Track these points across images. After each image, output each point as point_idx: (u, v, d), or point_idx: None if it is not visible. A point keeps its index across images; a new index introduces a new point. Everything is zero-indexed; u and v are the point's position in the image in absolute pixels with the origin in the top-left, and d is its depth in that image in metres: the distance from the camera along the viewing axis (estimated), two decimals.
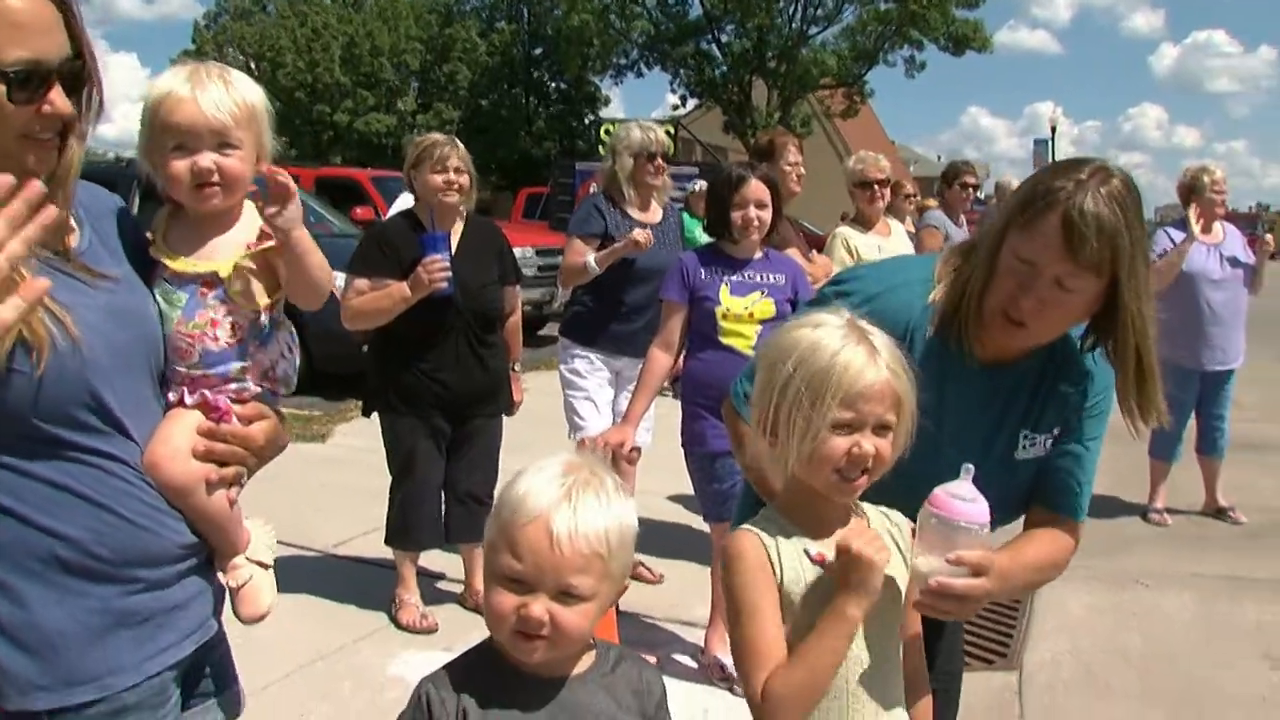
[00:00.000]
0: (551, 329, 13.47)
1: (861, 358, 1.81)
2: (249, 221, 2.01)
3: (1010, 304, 2.03)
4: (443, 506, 4.97)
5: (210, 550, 2.02)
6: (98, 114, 1.79)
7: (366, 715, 3.96)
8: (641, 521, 5.26)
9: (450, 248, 4.59)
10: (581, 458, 1.79)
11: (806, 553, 1.88)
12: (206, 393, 1.95)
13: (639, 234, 5.03)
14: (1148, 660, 4.78)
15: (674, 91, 44.62)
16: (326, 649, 4.52)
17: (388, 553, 5.05)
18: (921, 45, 41.14)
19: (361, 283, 4.62)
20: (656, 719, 1.84)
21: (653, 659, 4.27)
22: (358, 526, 5.99)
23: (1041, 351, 2.19)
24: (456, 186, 4.65)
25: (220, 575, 2.09)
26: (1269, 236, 7.08)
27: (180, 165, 1.91)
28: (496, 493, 2.10)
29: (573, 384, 5.28)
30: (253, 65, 54.01)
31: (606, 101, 50.28)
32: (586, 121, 45.91)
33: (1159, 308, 2.08)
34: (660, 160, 5.28)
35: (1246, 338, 6.99)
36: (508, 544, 1.67)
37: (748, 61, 41.55)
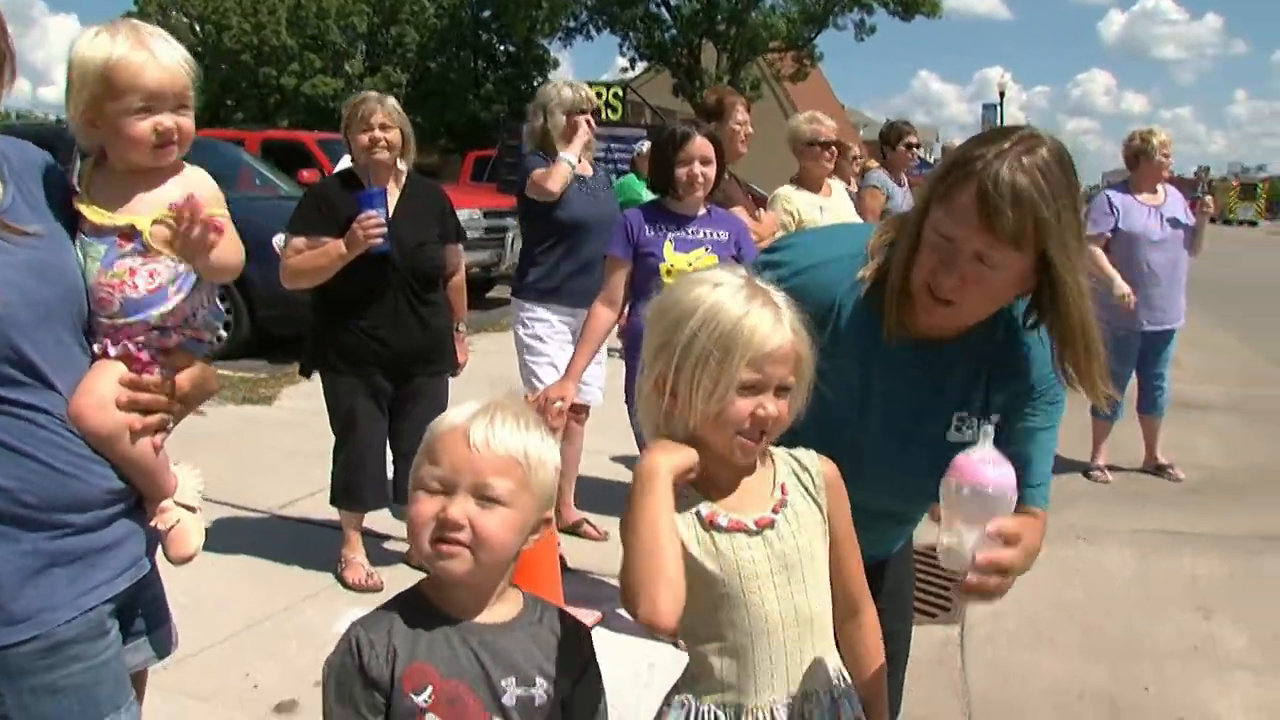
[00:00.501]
0: (500, 291, 13.45)
1: (769, 320, 1.80)
2: (180, 182, 2.08)
3: (933, 280, 1.95)
4: (390, 466, 4.96)
5: (139, 495, 2.07)
6: (10, 84, 1.88)
7: (312, 673, 3.90)
8: (588, 480, 5.29)
9: (387, 205, 4.55)
10: (508, 397, 1.82)
11: (698, 514, 1.85)
12: (129, 344, 1.99)
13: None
14: (1088, 614, 4.86)
15: (623, 55, 44.27)
16: (272, 609, 4.51)
17: (334, 514, 5.02)
18: (871, 9, 41.08)
19: (299, 241, 4.59)
20: (587, 673, 1.85)
21: (598, 614, 4.29)
22: (304, 488, 5.96)
23: (980, 330, 2.08)
24: (383, 143, 4.59)
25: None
26: (1209, 198, 7.18)
27: (144, 126, 1.97)
28: None
29: (533, 349, 5.24)
30: (197, 28, 53.13)
31: (555, 65, 49.81)
32: (535, 85, 45.52)
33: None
34: (590, 117, 5.23)
35: (1188, 302, 7.09)
36: (428, 455, 1.72)
37: (697, 24, 41.30)
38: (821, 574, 1.91)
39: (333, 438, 4.91)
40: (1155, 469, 7.13)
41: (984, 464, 1.74)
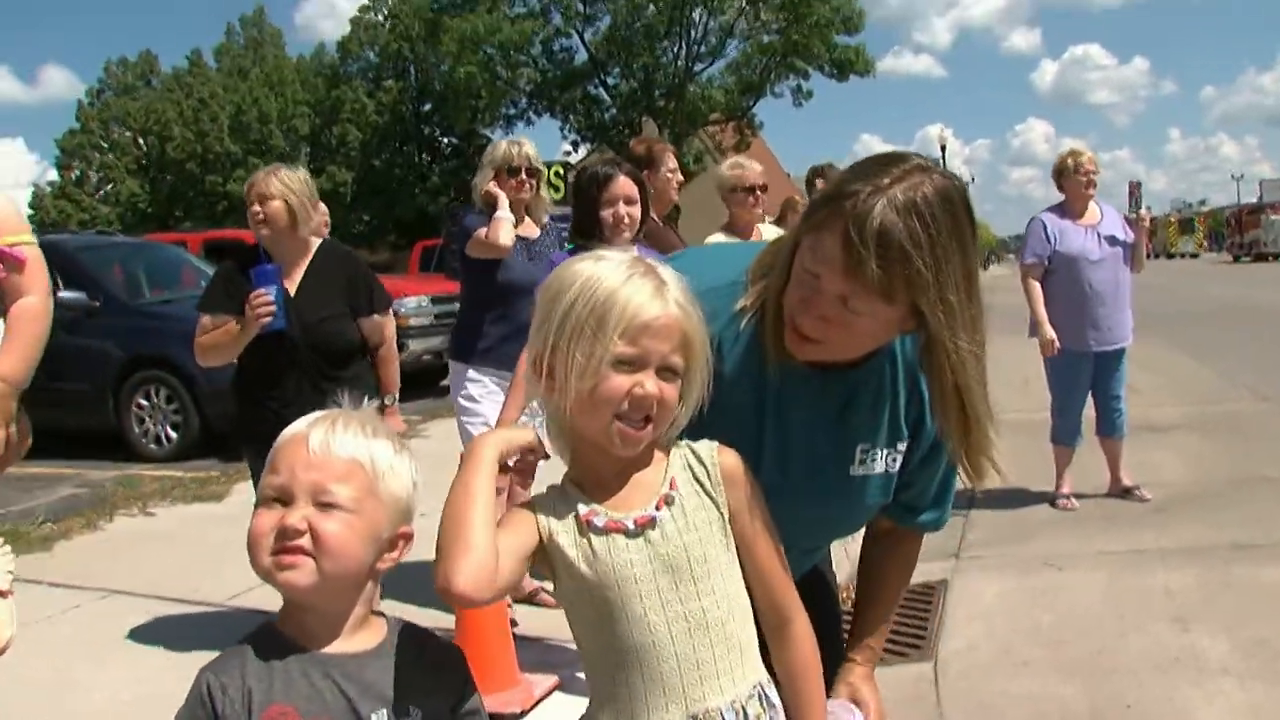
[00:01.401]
0: None
1: (648, 290, 1.66)
2: None
3: (796, 316, 1.76)
4: None
5: None
6: None
7: None
8: None
9: (282, 281, 4.38)
10: (371, 414, 1.72)
11: (575, 516, 1.71)
12: None
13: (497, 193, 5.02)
14: (1061, 634, 4.74)
15: (564, 138, 44.73)
16: None
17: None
18: (806, 74, 41.72)
19: (205, 320, 4.48)
20: (465, 698, 1.71)
21: (555, 679, 4.13)
22: (254, 578, 5.73)
23: (881, 356, 1.90)
24: (261, 217, 4.42)
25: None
26: (1145, 212, 7.21)
27: None
28: None
29: (467, 409, 5.11)
30: (140, 140, 53.33)
31: None
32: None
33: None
34: (524, 176, 5.10)
35: (1140, 327, 7.08)
36: (269, 466, 1.60)
37: (636, 101, 41.82)
38: (721, 577, 1.72)
39: None
40: (1122, 492, 7.03)
41: None
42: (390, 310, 4.80)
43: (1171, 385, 11.35)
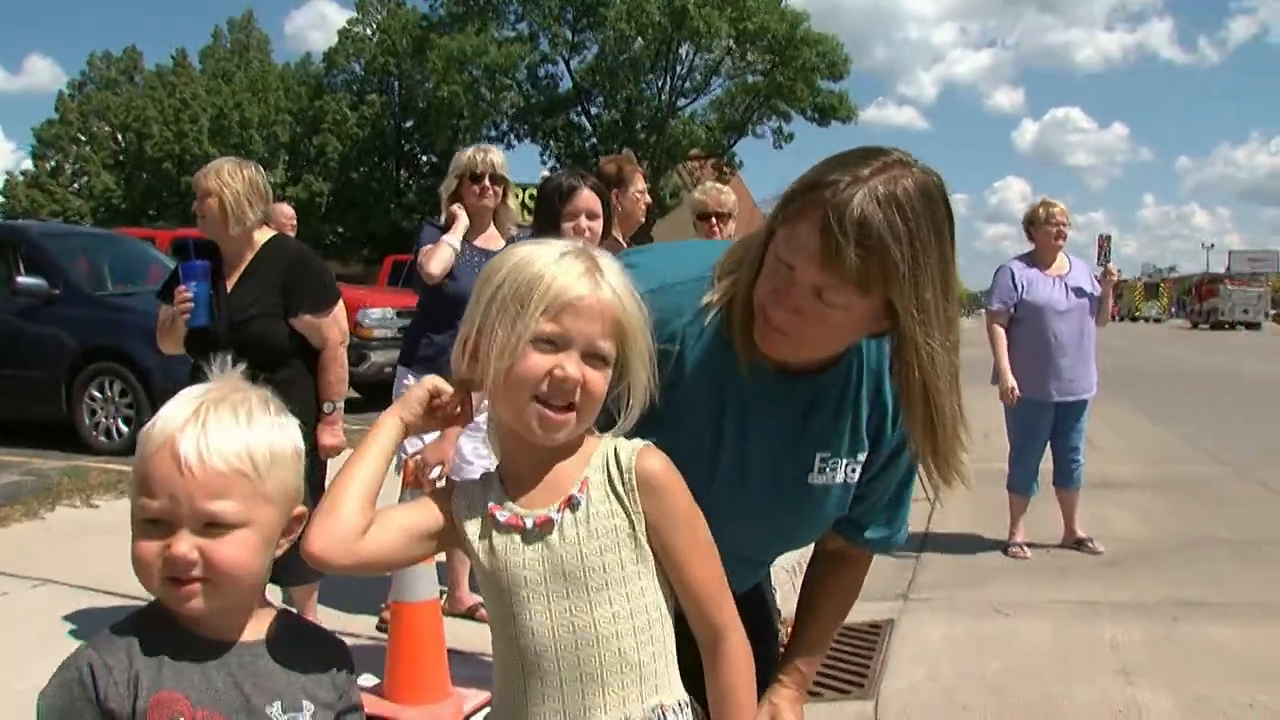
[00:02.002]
0: None
1: (578, 269, 1.59)
2: None
3: (768, 308, 1.70)
4: None
5: None
6: None
7: None
8: None
9: (210, 277, 4.36)
10: (227, 379, 1.59)
11: (484, 507, 1.65)
12: None
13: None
14: (1006, 681, 4.68)
15: (544, 163, 44.82)
16: None
17: None
18: (789, 116, 42.03)
19: (162, 310, 4.57)
20: (348, 694, 1.64)
21: (487, 694, 4.04)
22: None
23: (844, 364, 1.85)
24: (202, 214, 4.41)
25: None
26: (1112, 266, 7.22)
27: None
28: None
29: None
30: (119, 136, 53.00)
31: None
32: None
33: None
34: (487, 183, 5.05)
35: (1105, 387, 7.08)
36: (140, 482, 1.47)
37: (618, 132, 42.01)
38: (623, 590, 1.62)
39: None
40: (1075, 543, 7.01)
41: None
42: (330, 313, 4.58)
43: (1130, 444, 11.38)
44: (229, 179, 4.37)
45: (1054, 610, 5.71)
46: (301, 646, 1.60)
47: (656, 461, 1.66)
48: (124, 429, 10.01)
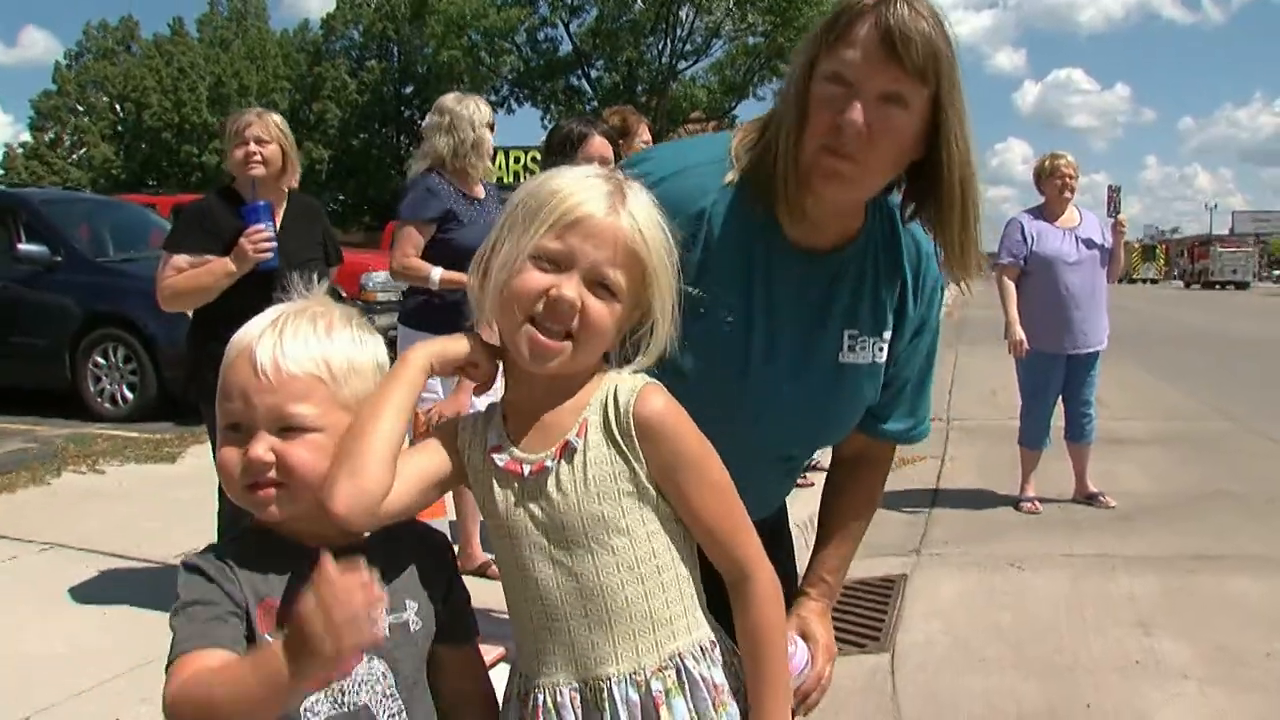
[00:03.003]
0: None
1: (598, 191, 1.51)
2: None
3: (833, 138, 1.67)
4: None
5: None
6: None
7: None
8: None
9: (275, 219, 4.28)
10: (313, 295, 1.58)
11: (484, 445, 1.59)
12: None
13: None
14: (1021, 633, 4.66)
15: (545, 127, 44.64)
16: (155, 654, 4.15)
17: None
18: None
19: (180, 260, 4.24)
20: (454, 588, 1.65)
21: (501, 650, 4.02)
22: (200, 537, 5.59)
23: (861, 240, 1.88)
24: (259, 157, 4.31)
25: None
26: (1123, 218, 7.15)
27: None
28: None
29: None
30: (118, 106, 52.81)
31: None
32: None
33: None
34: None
35: (1116, 347, 7.03)
36: (222, 389, 1.48)
37: (618, 95, 41.69)
38: (626, 538, 1.54)
39: None
40: (1086, 498, 6.98)
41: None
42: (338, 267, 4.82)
43: (1138, 401, 11.35)
44: (284, 131, 4.45)
45: (1068, 564, 5.68)
46: (399, 547, 1.58)
47: (657, 402, 1.56)
48: (128, 395, 9.97)
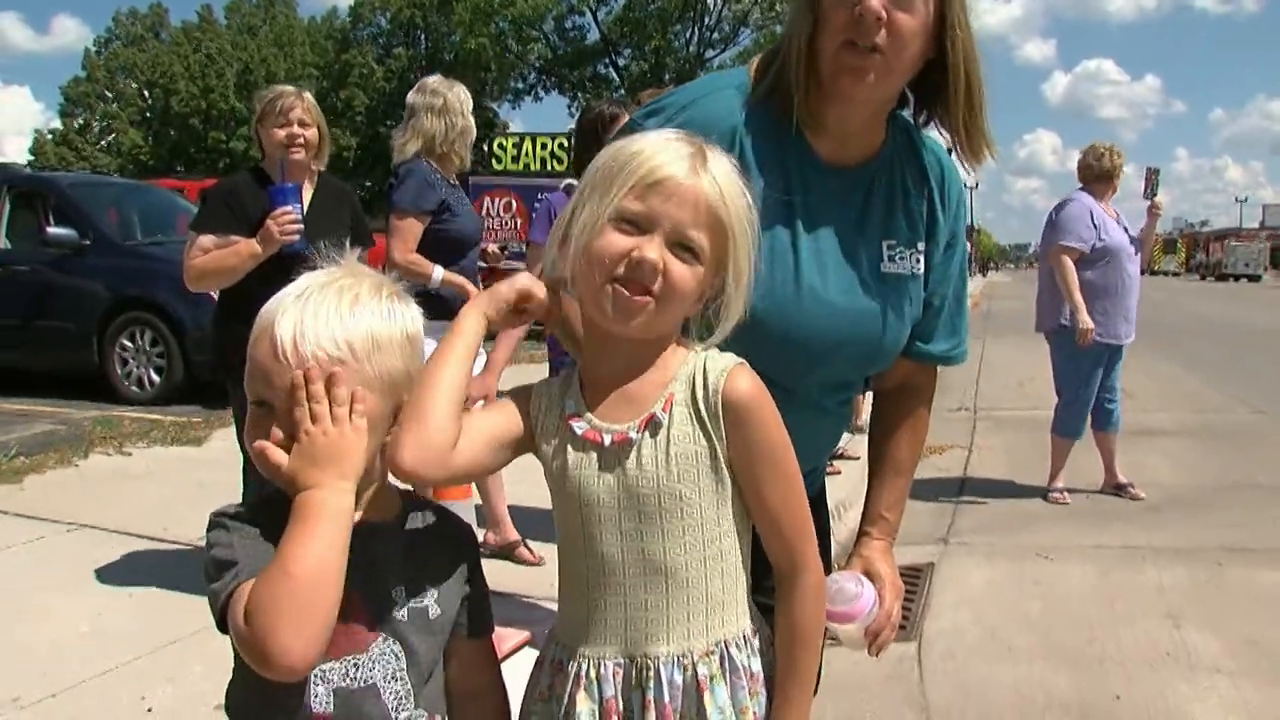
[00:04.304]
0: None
1: (680, 154, 1.49)
2: None
3: (853, 30, 1.70)
4: None
5: None
6: None
7: (214, 696, 3.60)
8: (523, 507, 4.97)
9: (302, 201, 4.26)
10: (346, 264, 1.56)
11: (561, 412, 1.57)
12: None
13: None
14: (1050, 624, 4.63)
15: (572, 116, 44.59)
16: (180, 634, 4.16)
17: None
18: None
19: (207, 240, 4.24)
20: (475, 579, 1.63)
21: (526, 634, 4.01)
22: None
23: (886, 152, 1.91)
24: (301, 141, 4.31)
25: None
26: (1159, 198, 7.09)
27: None
28: None
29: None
30: (145, 92, 53.08)
31: (505, 127, 50.10)
32: (485, 148, 45.50)
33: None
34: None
35: (1141, 340, 6.98)
36: (249, 368, 1.46)
37: (645, 84, 41.63)
38: (698, 519, 1.53)
39: None
40: (1115, 489, 6.93)
41: (838, 603, 1.81)
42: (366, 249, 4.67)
43: (1164, 393, 11.25)
44: (317, 108, 4.45)
45: (1097, 555, 5.63)
46: (425, 535, 1.58)
47: (745, 383, 1.54)
48: (155, 378, 10.03)
